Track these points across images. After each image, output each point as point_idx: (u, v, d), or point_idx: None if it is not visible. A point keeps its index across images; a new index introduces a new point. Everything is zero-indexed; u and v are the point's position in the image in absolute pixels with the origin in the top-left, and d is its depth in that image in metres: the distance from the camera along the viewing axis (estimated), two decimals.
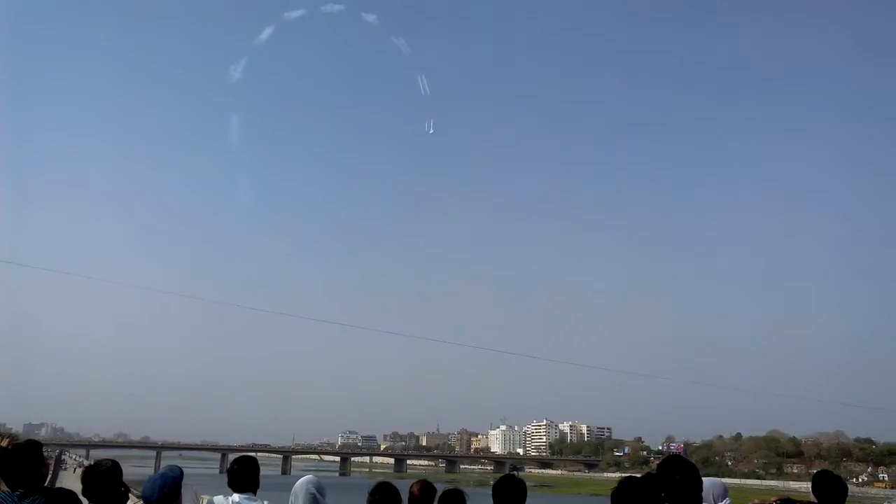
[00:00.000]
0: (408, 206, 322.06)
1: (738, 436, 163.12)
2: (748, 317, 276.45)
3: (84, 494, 4.27)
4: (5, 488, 4.01)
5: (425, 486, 4.86)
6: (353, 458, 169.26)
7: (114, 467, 4.23)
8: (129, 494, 4.24)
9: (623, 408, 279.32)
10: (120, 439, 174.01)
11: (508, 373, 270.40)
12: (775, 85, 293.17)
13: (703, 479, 5.34)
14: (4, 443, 4.08)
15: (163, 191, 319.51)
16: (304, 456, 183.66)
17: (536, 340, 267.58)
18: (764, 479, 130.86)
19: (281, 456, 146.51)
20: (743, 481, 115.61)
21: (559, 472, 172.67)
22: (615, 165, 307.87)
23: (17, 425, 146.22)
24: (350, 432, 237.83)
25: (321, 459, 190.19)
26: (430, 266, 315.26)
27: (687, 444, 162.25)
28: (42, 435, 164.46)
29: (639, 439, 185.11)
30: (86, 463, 61.14)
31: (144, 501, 4.01)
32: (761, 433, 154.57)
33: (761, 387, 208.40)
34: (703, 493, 4.94)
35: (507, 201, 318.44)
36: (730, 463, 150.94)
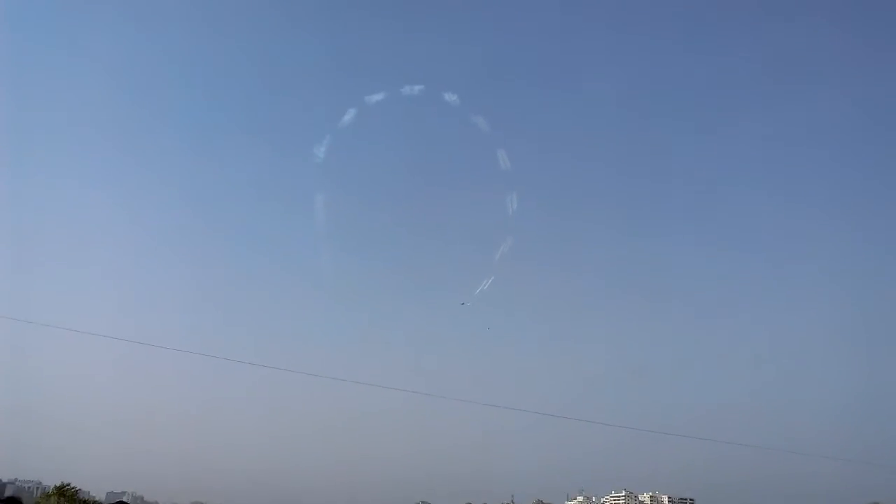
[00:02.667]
0: (473, 276, 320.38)
1: None
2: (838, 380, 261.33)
3: None
4: None
5: None
6: None
7: None
8: None
9: (708, 477, 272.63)
10: None
11: (586, 441, 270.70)
12: None
13: None
14: None
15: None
16: None
17: (620, 407, 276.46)
18: None
19: None
20: None
21: None
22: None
23: (100, 493, 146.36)
24: (423, 502, 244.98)
25: None
26: (506, 336, 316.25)
27: None
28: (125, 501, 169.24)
29: None
30: None
31: None
32: None
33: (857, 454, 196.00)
34: None
35: (584, 277, 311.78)
36: None
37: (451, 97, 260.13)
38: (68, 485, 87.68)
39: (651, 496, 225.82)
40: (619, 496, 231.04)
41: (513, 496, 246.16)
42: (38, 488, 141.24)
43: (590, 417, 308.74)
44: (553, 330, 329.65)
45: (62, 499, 78.92)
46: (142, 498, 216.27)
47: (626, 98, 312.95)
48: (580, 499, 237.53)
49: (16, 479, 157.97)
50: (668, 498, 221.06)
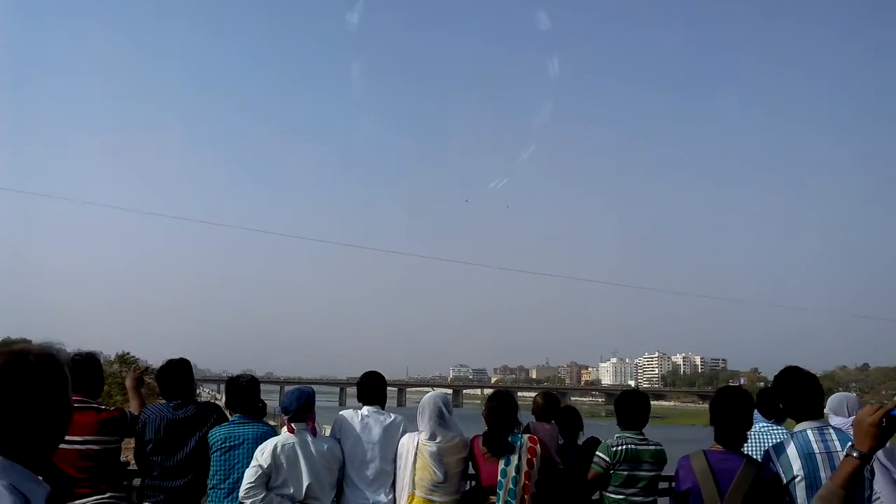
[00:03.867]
0: (512, 140, 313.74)
1: (865, 366, 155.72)
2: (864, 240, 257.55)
3: (227, 406, 4.61)
4: (161, 400, 4.41)
5: (549, 396, 5.05)
6: (464, 391, 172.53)
7: (252, 380, 4.58)
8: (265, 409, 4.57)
9: (739, 338, 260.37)
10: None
11: (619, 304, 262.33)
12: None
13: (837, 393, 5.18)
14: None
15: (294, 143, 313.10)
16: (418, 388, 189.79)
17: (648, 271, 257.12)
18: None
19: (396, 388, 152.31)
20: None
21: (672, 403, 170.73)
22: None
23: (157, 362, 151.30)
24: (461, 366, 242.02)
25: (434, 391, 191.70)
26: (545, 198, 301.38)
27: None
28: None
29: (755, 370, 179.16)
30: (219, 396, 65.73)
31: (283, 411, 4.25)
32: (890, 364, 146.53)
33: (886, 314, 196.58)
34: (837, 405, 4.79)
35: (624, 134, 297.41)
36: (856, 394, 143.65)
37: None
38: (128, 353, 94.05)
39: (684, 357, 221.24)
40: (652, 357, 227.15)
41: (547, 359, 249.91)
42: (100, 357, 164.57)
43: (622, 281, 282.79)
44: (596, 195, 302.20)
45: (124, 365, 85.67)
46: (195, 365, 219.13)
47: None
48: (614, 360, 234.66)
49: (79, 349, 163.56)
50: (701, 358, 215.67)
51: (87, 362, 4.30)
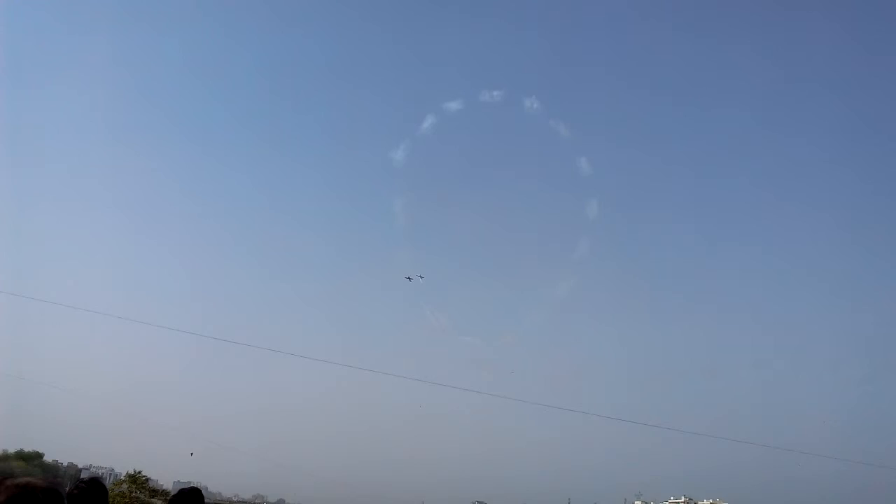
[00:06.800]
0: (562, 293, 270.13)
1: None
2: None
3: None
4: None
5: None
6: None
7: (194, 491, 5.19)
8: None
9: (768, 484, 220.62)
10: (258, 500, 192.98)
11: (646, 444, 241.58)
12: None
13: None
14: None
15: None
16: None
17: (680, 411, 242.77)
18: None
19: None
20: None
21: None
22: None
23: (168, 483, 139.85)
24: (479, 502, 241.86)
25: None
26: (570, 334, 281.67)
27: None
28: None
29: None
30: None
31: None
32: None
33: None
34: None
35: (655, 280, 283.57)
36: None
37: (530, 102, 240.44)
38: (139, 472, 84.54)
39: (712, 503, 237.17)
40: (678, 501, 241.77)
41: (569, 500, 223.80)
42: (110, 474, 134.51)
43: (646, 420, 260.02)
44: (620, 331, 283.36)
45: (133, 486, 77.68)
46: (206, 488, 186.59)
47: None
48: (638, 503, 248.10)
49: (90, 466, 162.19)
50: None
51: (91, 490, 4.27)
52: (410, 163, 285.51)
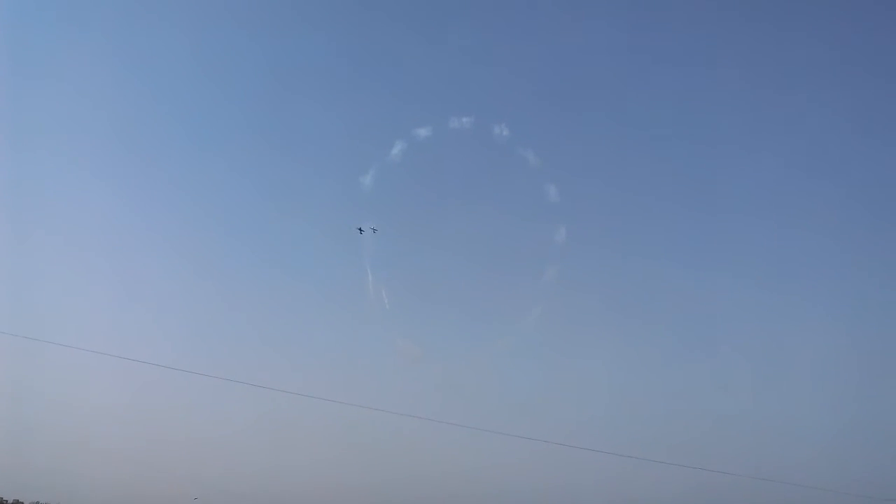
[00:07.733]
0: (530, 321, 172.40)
1: None
2: None
3: None
4: None
5: None
6: None
7: None
8: None
9: None
10: None
11: (613, 474, 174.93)
12: None
13: None
14: None
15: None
16: None
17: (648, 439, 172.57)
18: None
19: None
20: None
21: None
22: None
23: None
24: None
25: None
26: (538, 361, 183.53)
27: None
28: None
29: None
30: None
31: None
32: None
33: None
34: None
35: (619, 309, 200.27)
36: None
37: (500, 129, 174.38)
38: None
39: None
40: None
41: None
42: None
43: (616, 450, 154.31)
44: (588, 358, 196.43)
45: None
46: None
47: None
48: None
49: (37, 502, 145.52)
50: None
51: None
52: (378, 189, 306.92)
